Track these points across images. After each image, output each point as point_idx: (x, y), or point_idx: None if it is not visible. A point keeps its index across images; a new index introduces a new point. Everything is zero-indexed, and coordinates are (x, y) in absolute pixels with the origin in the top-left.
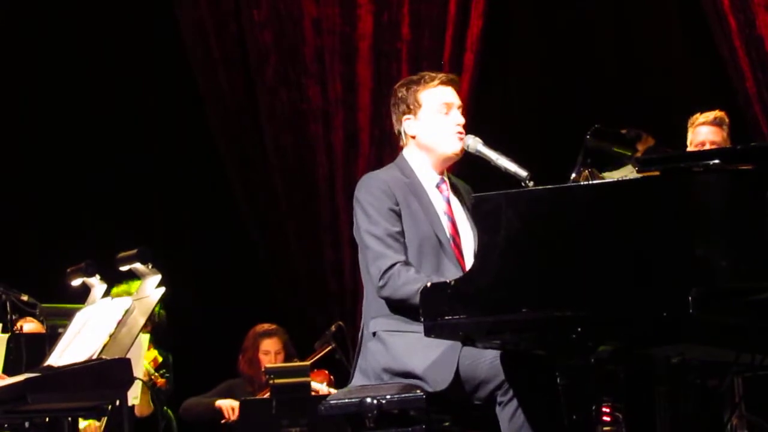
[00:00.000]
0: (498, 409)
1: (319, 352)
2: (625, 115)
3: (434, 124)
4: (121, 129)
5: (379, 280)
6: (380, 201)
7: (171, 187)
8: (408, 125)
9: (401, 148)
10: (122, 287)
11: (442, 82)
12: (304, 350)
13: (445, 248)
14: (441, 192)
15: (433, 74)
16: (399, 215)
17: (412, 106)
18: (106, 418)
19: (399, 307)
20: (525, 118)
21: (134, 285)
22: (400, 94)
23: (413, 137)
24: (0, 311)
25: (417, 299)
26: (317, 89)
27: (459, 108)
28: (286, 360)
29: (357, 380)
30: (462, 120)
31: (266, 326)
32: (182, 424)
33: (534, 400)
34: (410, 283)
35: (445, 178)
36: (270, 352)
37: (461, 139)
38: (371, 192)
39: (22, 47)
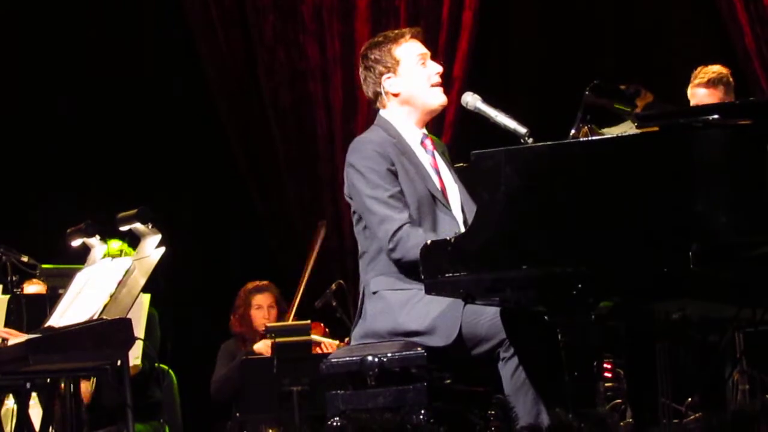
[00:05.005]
0: (500, 364)
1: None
2: (623, 72)
3: (416, 76)
4: (120, 89)
5: (389, 242)
6: (377, 163)
7: (171, 147)
8: (389, 84)
9: (376, 111)
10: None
11: (413, 36)
12: (306, 310)
13: (439, 203)
14: (425, 147)
15: (398, 31)
16: (396, 175)
17: (390, 64)
18: (94, 378)
19: (411, 268)
20: (524, 75)
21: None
22: (373, 56)
23: (396, 95)
24: (0, 272)
25: None
26: (316, 47)
27: (430, 57)
28: (279, 315)
29: (357, 341)
30: (440, 68)
31: (257, 282)
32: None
33: (535, 356)
34: (420, 244)
35: (427, 133)
36: (263, 306)
37: (444, 92)
38: (367, 155)
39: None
